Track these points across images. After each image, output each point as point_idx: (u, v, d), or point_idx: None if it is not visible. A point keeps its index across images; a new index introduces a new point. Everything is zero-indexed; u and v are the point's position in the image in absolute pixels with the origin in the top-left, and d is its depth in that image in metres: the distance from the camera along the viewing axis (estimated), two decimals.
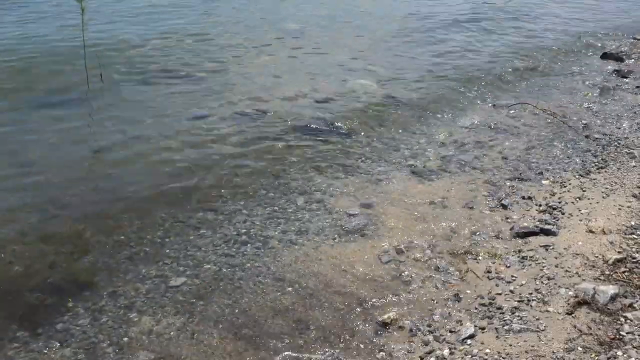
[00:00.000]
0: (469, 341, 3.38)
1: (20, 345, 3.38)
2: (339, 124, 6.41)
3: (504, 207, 4.94)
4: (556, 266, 4.04)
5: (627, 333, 3.29)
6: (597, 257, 4.09)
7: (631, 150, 5.85)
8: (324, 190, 5.12)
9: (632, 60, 9.19)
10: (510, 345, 3.31)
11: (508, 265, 4.15)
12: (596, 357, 3.15)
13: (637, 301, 3.56)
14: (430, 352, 3.34)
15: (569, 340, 3.31)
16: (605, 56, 9.33)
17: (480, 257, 4.27)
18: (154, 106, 6.65)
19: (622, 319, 3.41)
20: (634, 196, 4.91)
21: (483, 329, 3.50)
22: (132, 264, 4.09)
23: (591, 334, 3.34)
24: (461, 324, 3.55)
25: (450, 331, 3.51)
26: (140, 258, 4.15)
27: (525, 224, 4.61)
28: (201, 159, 5.54)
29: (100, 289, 3.84)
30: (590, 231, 4.41)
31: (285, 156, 5.69)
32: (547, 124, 6.73)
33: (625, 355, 3.11)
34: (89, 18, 7.38)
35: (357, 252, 4.32)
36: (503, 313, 3.62)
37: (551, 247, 4.28)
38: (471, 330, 3.45)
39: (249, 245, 4.35)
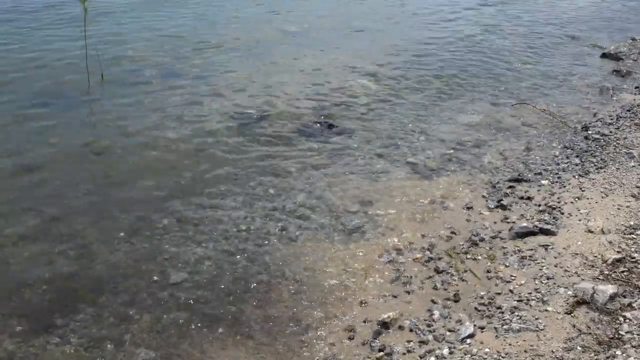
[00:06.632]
0: (468, 340, 3.40)
1: (21, 341, 3.39)
2: (339, 123, 6.42)
3: (503, 207, 4.95)
4: (555, 266, 4.06)
5: (626, 332, 3.31)
6: (596, 256, 4.11)
7: (630, 150, 5.86)
8: (324, 189, 5.13)
9: (631, 60, 9.20)
10: (510, 345, 3.32)
11: (507, 265, 4.16)
12: (595, 357, 3.17)
13: (636, 301, 3.57)
14: (430, 352, 3.35)
15: (568, 339, 3.32)
16: (604, 56, 9.34)
17: (479, 257, 4.28)
18: (154, 106, 6.65)
19: (621, 319, 3.43)
20: (633, 196, 4.92)
21: (482, 328, 3.51)
22: (133, 261, 4.10)
23: (590, 333, 3.35)
24: (461, 324, 3.56)
25: (450, 331, 3.52)
26: (140, 255, 4.16)
27: (525, 224, 4.62)
28: (201, 158, 5.55)
29: (100, 286, 3.85)
30: (590, 231, 4.43)
31: (285, 154, 5.70)
32: (547, 124, 6.75)
33: (624, 355, 3.12)
34: (91, 19, 7.38)
35: (357, 251, 4.33)
36: (502, 313, 3.63)
37: (550, 247, 4.29)
38: (470, 330, 3.46)
39: (249, 242, 4.37)
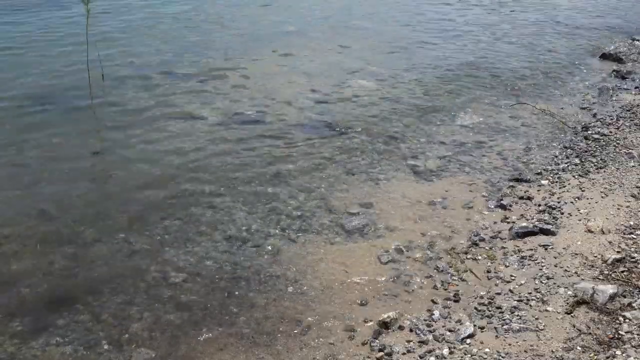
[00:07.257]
0: (468, 340, 3.40)
1: (21, 342, 3.38)
2: (339, 124, 6.42)
3: (503, 207, 4.95)
4: (555, 266, 4.06)
5: (625, 332, 3.31)
6: (596, 256, 4.11)
7: (630, 150, 5.86)
8: (324, 189, 5.13)
9: (631, 61, 9.20)
10: (510, 345, 3.33)
11: (507, 265, 4.16)
12: (595, 357, 3.17)
13: (635, 300, 3.57)
14: (429, 352, 3.34)
15: (568, 339, 3.32)
16: (604, 57, 9.33)
17: (479, 257, 4.28)
18: (155, 107, 6.66)
19: (621, 319, 3.43)
20: (633, 196, 4.92)
21: (482, 328, 3.51)
22: (132, 261, 4.10)
23: (590, 333, 3.35)
24: (460, 324, 3.56)
25: (450, 331, 3.52)
26: (140, 255, 4.16)
27: (525, 224, 4.62)
28: (201, 159, 5.55)
29: (100, 286, 3.85)
30: (589, 231, 4.43)
31: (285, 155, 5.70)
32: (546, 124, 6.74)
33: (624, 355, 3.13)
34: (91, 24, 7.40)
35: (357, 252, 4.33)
36: (502, 312, 3.63)
37: (550, 247, 4.29)
38: (470, 330, 3.46)
39: (249, 242, 4.37)
